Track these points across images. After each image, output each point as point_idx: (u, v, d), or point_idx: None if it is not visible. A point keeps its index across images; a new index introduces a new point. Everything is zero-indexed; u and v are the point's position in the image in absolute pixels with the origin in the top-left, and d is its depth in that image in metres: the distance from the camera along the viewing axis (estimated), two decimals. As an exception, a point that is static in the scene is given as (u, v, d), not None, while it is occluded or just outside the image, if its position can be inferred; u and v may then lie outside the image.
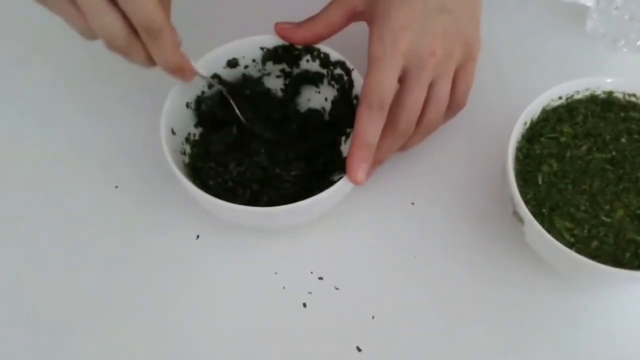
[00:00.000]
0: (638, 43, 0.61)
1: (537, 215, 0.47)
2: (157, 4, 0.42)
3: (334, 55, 0.54)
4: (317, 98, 0.58)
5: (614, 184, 0.49)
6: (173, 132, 0.51)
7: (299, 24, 0.53)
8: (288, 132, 0.56)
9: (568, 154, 0.51)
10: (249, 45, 0.55)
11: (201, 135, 0.55)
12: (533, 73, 0.61)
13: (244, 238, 0.54)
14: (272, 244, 0.54)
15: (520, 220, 0.48)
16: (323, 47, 0.54)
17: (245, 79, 0.56)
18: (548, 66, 0.62)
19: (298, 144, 0.56)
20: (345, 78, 0.54)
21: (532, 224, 0.46)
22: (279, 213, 0.48)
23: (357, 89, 0.53)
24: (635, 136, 0.51)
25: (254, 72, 0.56)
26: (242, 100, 0.55)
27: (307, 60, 0.55)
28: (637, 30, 0.60)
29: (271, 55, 0.55)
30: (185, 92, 0.53)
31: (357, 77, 0.53)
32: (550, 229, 0.47)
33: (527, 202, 0.48)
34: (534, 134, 0.51)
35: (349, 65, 0.53)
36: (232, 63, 0.55)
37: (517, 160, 0.50)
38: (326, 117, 0.57)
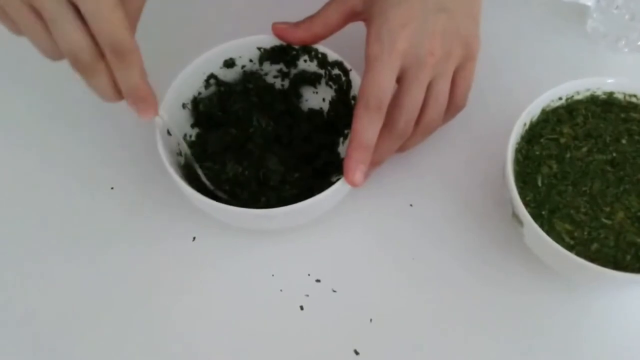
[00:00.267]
0: (639, 43, 0.61)
1: (536, 217, 0.47)
2: (127, 26, 0.41)
3: (332, 56, 0.53)
4: (315, 98, 0.57)
5: (615, 185, 0.49)
6: (169, 133, 0.51)
7: (297, 24, 0.53)
8: (293, 129, 0.56)
9: (568, 155, 0.50)
10: (246, 45, 0.54)
11: (198, 135, 0.55)
12: (533, 73, 0.60)
13: (240, 240, 0.53)
14: (269, 245, 0.53)
15: (520, 222, 0.47)
16: (321, 47, 0.54)
17: (247, 74, 0.56)
18: (548, 66, 0.61)
19: (297, 144, 0.55)
20: (343, 78, 0.54)
21: (532, 226, 0.46)
22: (276, 215, 0.47)
23: (355, 89, 0.52)
24: (636, 137, 0.51)
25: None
26: (244, 96, 0.55)
27: (305, 61, 0.55)
28: (638, 29, 0.60)
29: (268, 55, 0.55)
30: (182, 92, 0.53)
31: (355, 78, 0.52)
32: (550, 231, 0.47)
33: (526, 204, 0.47)
34: (533, 135, 0.51)
35: (347, 65, 0.53)
36: (229, 63, 0.55)
37: (517, 161, 0.50)
38: (324, 117, 0.57)
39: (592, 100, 0.52)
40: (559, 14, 0.64)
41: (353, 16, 0.52)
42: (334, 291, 0.51)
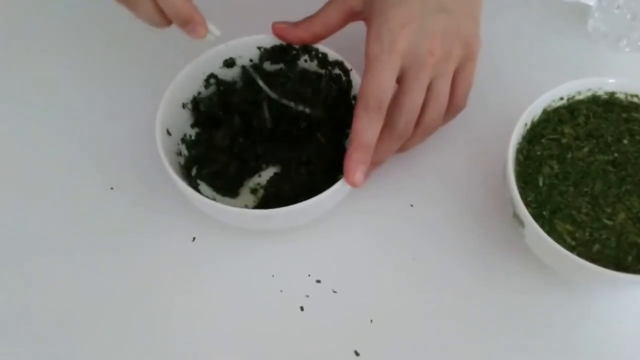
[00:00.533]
0: (640, 43, 0.61)
1: (537, 217, 0.47)
2: None
3: (332, 55, 0.53)
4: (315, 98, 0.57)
5: (616, 186, 0.49)
6: (169, 133, 0.51)
7: (297, 24, 0.53)
8: (293, 130, 0.55)
9: (569, 155, 0.50)
10: (246, 44, 0.54)
11: (198, 135, 0.55)
12: (534, 73, 0.60)
13: (240, 240, 0.53)
14: (269, 246, 0.53)
15: (521, 222, 0.47)
16: (321, 47, 0.54)
17: (247, 70, 0.55)
18: (549, 66, 0.61)
19: (297, 144, 0.55)
20: (344, 78, 0.54)
21: (533, 227, 0.46)
22: (276, 215, 0.47)
23: (356, 89, 0.52)
24: (638, 137, 0.51)
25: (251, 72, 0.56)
26: (248, 87, 0.55)
27: (305, 60, 0.55)
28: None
29: (269, 55, 0.55)
30: (181, 92, 0.53)
31: (356, 78, 0.52)
32: (551, 231, 0.47)
33: (527, 205, 0.47)
34: (534, 135, 0.51)
35: (348, 65, 0.53)
36: (229, 63, 0.55)
37: (518, 161, 0.50)
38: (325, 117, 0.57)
39: (594, 100, 0.52)
40: (559, 13, 0.64)
41: (353, 16, 0.51)
42: (335, 292, 0.51)
